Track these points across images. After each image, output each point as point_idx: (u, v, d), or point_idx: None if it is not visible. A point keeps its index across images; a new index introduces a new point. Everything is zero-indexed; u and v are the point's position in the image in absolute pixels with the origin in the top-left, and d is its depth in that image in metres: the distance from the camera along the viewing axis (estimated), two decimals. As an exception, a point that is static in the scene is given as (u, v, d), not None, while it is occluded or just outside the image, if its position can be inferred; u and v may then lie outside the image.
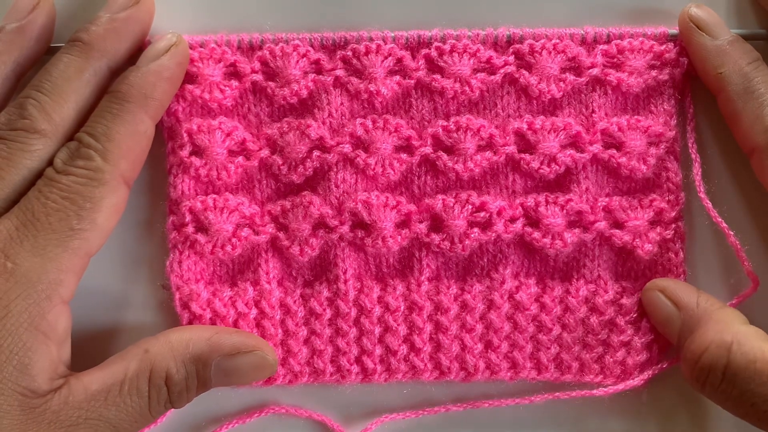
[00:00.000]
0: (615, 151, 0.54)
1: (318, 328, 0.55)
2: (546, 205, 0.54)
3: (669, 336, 0.52)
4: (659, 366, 0.54)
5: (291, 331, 0.55)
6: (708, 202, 0.54)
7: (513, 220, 0.55)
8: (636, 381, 0.54)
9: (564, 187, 0.55)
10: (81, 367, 0.51)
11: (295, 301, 0.55)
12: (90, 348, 0.56)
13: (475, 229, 0.54)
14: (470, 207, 0.54)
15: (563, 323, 0.55)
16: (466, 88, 0.55)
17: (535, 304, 0.55)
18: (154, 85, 0.51)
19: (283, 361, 0.55)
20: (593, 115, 0.55)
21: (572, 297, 0.55)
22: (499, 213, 0.54)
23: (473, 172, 0.54)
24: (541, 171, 0.54)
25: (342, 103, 0.55)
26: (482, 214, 0.54)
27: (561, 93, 0.55)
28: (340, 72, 0.55)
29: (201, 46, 0.55)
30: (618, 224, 0.54)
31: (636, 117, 0.54)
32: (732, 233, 0.53)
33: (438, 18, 0.56)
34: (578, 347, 0.55)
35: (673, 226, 0.54)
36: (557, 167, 0.54)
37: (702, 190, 0.54)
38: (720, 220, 0.53)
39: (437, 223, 0.55)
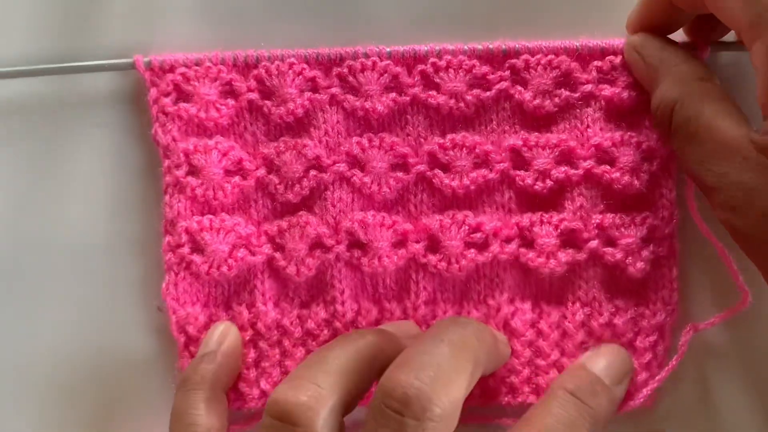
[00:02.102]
0: (608, 167, 0.54)
1: (315, 348, 0.55)
2: (540, 225, 0.54)
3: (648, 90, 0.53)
4: (657, 379, 0.54)
5: (288, 351, 0.56)
6: (700, 218, 0.54)
7: (508, 240, 0.55)
8: (636, 401, 0.54)
9: (558, 204, 0.55)
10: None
11: (291, 322, 0.56)
12: (83, 371, 0.57)
13: (472, 250, 0.54)
14: (467, 228, 0.54)
15: (562, 348, 0.55)
16: (461, 104, 0.55)
17: (531, 330, 0.55)
18: None
19: (280, 382, 0.55)
20: (588, 130, 0.55)
21: (569, 322, 0.55)
22: (495, 234, 0.54)
23: (469, 189, 0.55)
24: (536, 187, 0.54)
25: (338, 122, 0.55)
26: (478, 234, 0.54)
27: (556, 108, 0.55)
28: (335, 90, 0.55)
29: (196, 65, 0.56)
30: (611, 242, 0.54)
31: (629, 133, 0.54)
32: (723, 248, 0.53)
33: (434, 29, 0.56)
34: None
35: (666, 243, 0.54)
36: (551, 183, 0.54)
37: (695, 206, 0.54)
38: (710, 234, 0.53)
39: (434, 244, 0.55)
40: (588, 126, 0.55)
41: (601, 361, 0.53)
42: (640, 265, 0.54)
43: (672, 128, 0.50)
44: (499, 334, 0.54)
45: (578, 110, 0.55)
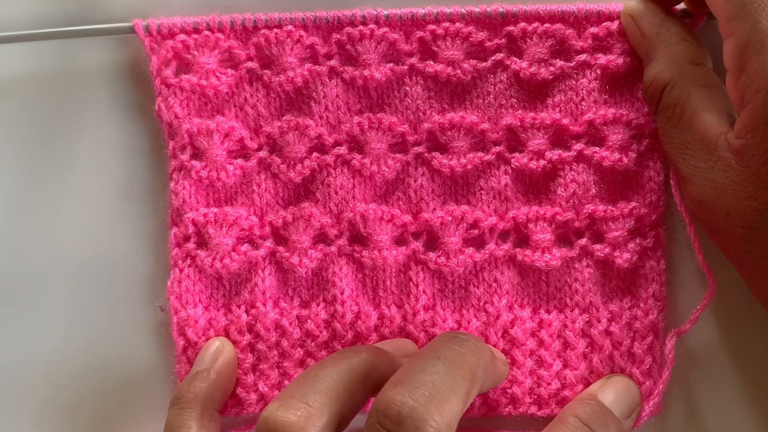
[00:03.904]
0: (598, 148, 0.55)
1: (314, 349, 0.57)
2: (536, 222, 0.56)
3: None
4: (656, 393, 0.55)
5: (287, 352, 0.57)
6: (678, 191, 0.54)
7: (504, 235, 0.56)
8: (644, 415, 0.55)
9: (552, 191, 0.56)
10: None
11: (291, 323, 0.57)
12: (84, 370, 0.59)
13: (470, 248, 0.56)
14: (465, 225, 0.56)
15: (564, 359, 0.56)
16: (458, 72, 0.55)
17: (531, 339, 0.56)
18: None
19: (278, 385, 0.57)
20: (582, 103, 0.56)
21: (569, 330, 0.56)
22: (491, 230, 0.56)
23: (466, 169, 0.56)
24: (531, 165, 0.56)
25: (338, 95, 0.56)
26: (476, 231, 0.56)
27: (551, 76, 0.55)
28: (334, 62, 0.56)
29: (195, 30, 0.56)
30: (599, 236, 0.56)
31: (621, 110, 0.55)
32: (693, 224, 0.54)
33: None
34: (581, 386, 0.56)
35: (653, 233, 0.55)
36: (545, 162, 0.55)
37: (674, 178, 0.54)
38: (683, 209, 0.54)
39: (433, 239, 0.56)
40: (583, 98, 0.56)
41: (611, 393, 0.53)
42: (626, 256, 0.55)
43: (659, 107, 0.51)
44: (498, 352, 0.54)
45: (573, 81, 0.56)
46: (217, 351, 0.55)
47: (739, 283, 0.52)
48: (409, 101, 0.56)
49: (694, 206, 0.50)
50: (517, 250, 0.56)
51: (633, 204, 0.55)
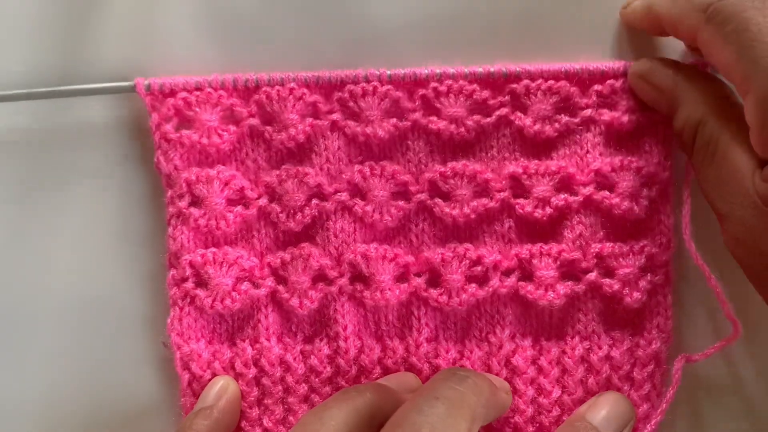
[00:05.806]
0: (608, 193, 0.54)
1: (318, 385, 0.55)
2: (540, 258, 0.54)
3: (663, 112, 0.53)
4: (659, 411, 0.54)
5: (291, 388, 0.56)
6: (692, 244, 0.53)
7: (508, 272, 0.55)
8: None
9: (558, 233, 0.55)
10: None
11: (295, 358, 0.56)
12: (88, 408, 0.58)
13: (473, 285, 0.54)
14: (467, 262, 0.54)
15: (563, 385, 0.55)
16: (462, 130, 0.55)
17: (532, 367, 0.55)
18: None
19: (283, 420, 0.56)
20: (587, 155, 0.55)
21: (568, 357, 0.55)
22: (494, 266, 0.55)
23: (469, 218, 0.55)
24: (536, 214, 0.54)
25: (339, 148, 0.55)
26: (479, 268, 0.54)
27: (556, 134, 0.55)
28: (336, 116, 0.55)
29: (197, 89, 0.55)
30: (609, 272, 0.54)
31: (629, 158, 0.54)
32: (713, 276, 0.53)
33: (435, 51, 0.56)
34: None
35: (663, 270, 0.54)
36: (551, 210, 0.54)
37: (688, 232, 0.54)
38: (702, 262, 0.53)
39: (435, 277, 0.55)
40: (588, 151, 0.55)
41: (602, 411, 0.53)
42: (636, 295, 0.54)
43: (695, 148, 0.50)
44: (499, 381, 0.53)
45: (578, 135, 0.55)
46: (222, 389, 0.55)
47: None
48: (411, 155, 0.56)
49: (732, 244, 0.49)
50: (521, 284, 0.55)
51: (643, 242, 0.54)
